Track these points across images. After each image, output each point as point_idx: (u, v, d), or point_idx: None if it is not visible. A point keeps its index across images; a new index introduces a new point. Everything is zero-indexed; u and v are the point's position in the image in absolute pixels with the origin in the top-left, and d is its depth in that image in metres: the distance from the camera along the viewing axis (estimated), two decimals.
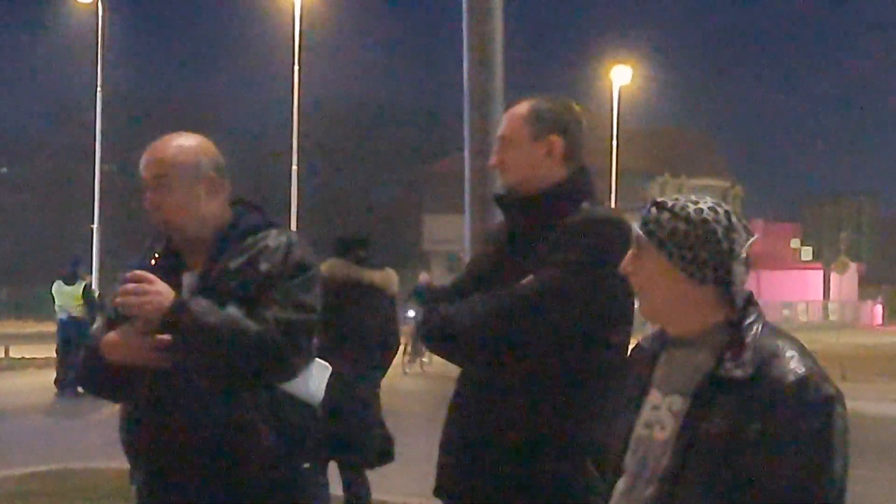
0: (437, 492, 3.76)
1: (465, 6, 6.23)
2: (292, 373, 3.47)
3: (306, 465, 3.60)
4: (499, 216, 3.95)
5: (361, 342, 7.07)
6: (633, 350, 2.93)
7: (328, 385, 3.63)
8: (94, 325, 3.79)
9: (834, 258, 60.90)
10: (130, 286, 3.43)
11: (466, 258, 5.76)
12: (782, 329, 2.68)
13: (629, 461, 2.74)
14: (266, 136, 59.26)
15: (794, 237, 72.73)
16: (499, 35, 6.20)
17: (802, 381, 2.52)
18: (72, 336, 18.06)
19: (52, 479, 10.36)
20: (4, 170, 64.06)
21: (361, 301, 7.13)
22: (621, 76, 53.09)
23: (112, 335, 3.52)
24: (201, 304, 3.41)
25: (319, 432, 3.60)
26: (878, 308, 67.66)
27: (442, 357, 3.73)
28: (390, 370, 7.73)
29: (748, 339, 2.60)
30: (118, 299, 3.47)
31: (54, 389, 18.32)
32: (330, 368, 3.64)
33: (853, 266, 66.26)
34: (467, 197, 6.10)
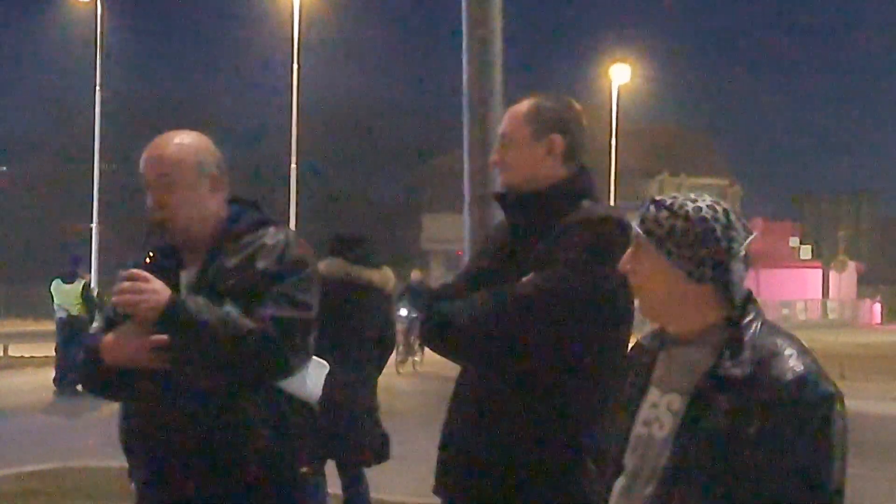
0: (437, 490, 3.76)
1: (464, 5, 6.23)
2: (289, 371, 3.46)
3: (304, 470, 3.60)
4: (499, 215, 3.95)
5: (358, 341, 7.07)
6: (632, 348, 2.93)
7: (325, 383, 3.63)
8: (94, 325, 3.79)
9: (833, 257, 60.99)
10: (127, 284, 3.43)
11: (466, 257, 5.76)
12: (781, 327, 2.68)
13: (628, 460, 2.75)
14: (265, 134, 59.26)
15: (793, 236, 72.65)
16: (498, 34, 6.20)
17: (801, 380, 2.52)
18: (71, 335, 18.04)
19: (51, 478, 10.36)
20: (4, 169, 64.01)
21: (358, 300, 7.12)
22: (620, 75, 53.10)
23: (110, 336, 3.52)
24: (198, 302, 3.41)
25: (317, 431, 3.60)
26: (877, 307, 67.66)
27: (442, 356, 3.73)
28: (384, 369, 7.73)
29: (747, 338, 2.60)
30: (114, 297, 3.47)
31: (53, 388, 18.30)
32: (327, 367, 3.64)
33: (852, 265, 66.34)
34: (466, 196, 6.09)
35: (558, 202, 3.62)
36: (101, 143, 38.22)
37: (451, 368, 3.79)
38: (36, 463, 11.03)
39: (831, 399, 2.53)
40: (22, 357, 24.92)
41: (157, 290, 3.41)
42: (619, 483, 2.77)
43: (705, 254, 2.61)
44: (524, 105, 3.74)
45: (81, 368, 3.69)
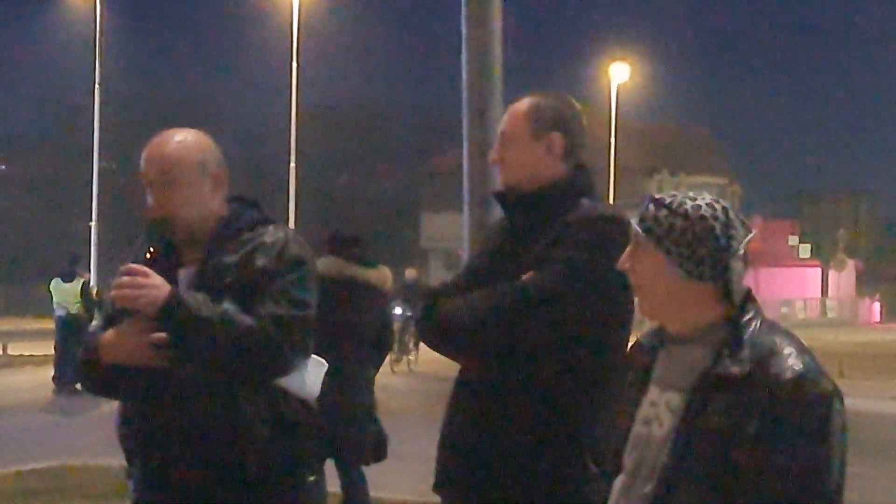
0: (437, 488, 3.76)
1: (463, 3, 6.22)
2: (288, 369, 3.46)
3: (312, 478, 3.61)
4: (498, 214, 3.95)
5: (356, 340, 7.08)
6: (632, 347, 2.93)
7: (323, 382, 3.63)
8: (93, 323, 3.79)
9: (832, 256, 60.97)
10: (126, 279, 3.42)
11: (465, 256, 5.76)
12: (780, 326, 2.68)
13: (628, 458, 2.75)
14: (264, 134, 59.26)
15: (793, 234, 72.67)
16: (497, 33, 6.19)
17: (800, 378, 2.52)
18: (70, 333, 18.05)
19: (50, 477, 10.37)
20: (3, 167, 64.02)
21: (356, 299, 7.13)
22: (619, 74, 53.14)
23: (109, 334, 3.52)
24: (197, 299, 3.41)
25: (316, 428, 3.60)
26: (876, 305, 67.66)
27: (441, 354, 3.72)
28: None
29: (746, 336, 2.60)
30: (113, 292, 3.46)
31: (52, 386, 18.31)
32: (326, 365, 3.64)
33: (851, 263, 66.35)
34: (466, 195, 6.08)
35: (558, 200, 3.61)
36: (100, 141, 38.22)
37: (445, 368, 3.80)
38: (35, 461, 11.04)
39: (830, 397, 2.53)
40: (21, 355, 24.93)
41: (157, 285, 3.41)
42: (619, 481, 2.77)
43: (704, 252, 2.61)
44: (524, 103, 3.74)
45: (80, 367, 3.69)
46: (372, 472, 7.55)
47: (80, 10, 42.09)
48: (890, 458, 12.45)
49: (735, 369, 2.56)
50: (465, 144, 6.12)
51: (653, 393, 2.73)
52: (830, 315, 62.03)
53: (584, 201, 3.63)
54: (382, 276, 7.44)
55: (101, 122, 38.21)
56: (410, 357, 23.22)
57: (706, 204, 2.64)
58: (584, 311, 3.47)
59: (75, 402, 15.55)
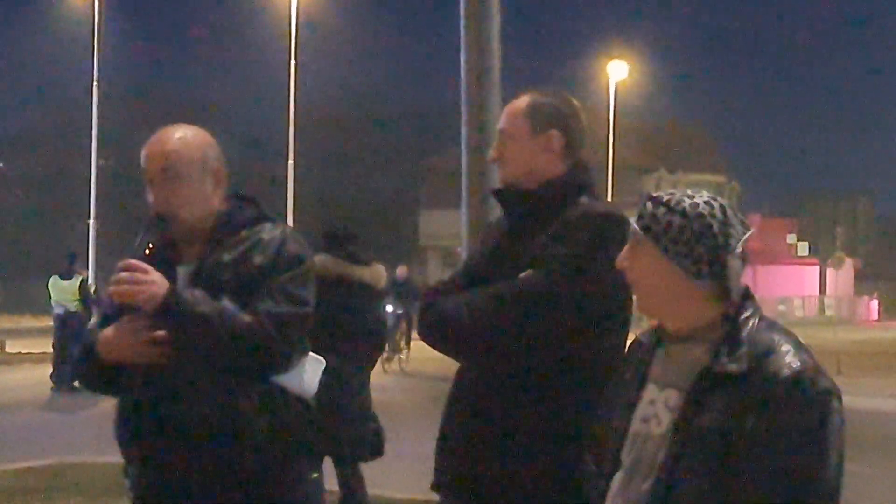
0: (435, 486, 3.76)
1: (462, 2, 6.23)
2: (285, 366, 3.46)
3: (315, 475, 3.61)
4: (496, 211, 3.95)
5: (350, 338, 7.07)
6: (630, 345, 2.93)
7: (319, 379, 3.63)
8: (91, 321, 3.79)
9: (830, 254, 60.92)
10: (125, 275, 3.42)
11: (463, 253, 5.77)
12: (778, 324, 2.68)
13: (626, 456, 2.75)
14: (262, 132, 59.27)
15: (791, 232, 72.70)
16: (496, 31, 6.20)
17: (798, 376, 2.52)
18: (68, 331, 18.06)
19: (47, 474, 10.37)
20: (0, 165, 63.98)
21: (350, 297, 7.13)
22: (618, 72, 53.11)
23: (108, 331, 3.52)
24: (195, 296, 3.41)
25: (313, 426, 3.60)
26: (874, 303, 67.70)
27: (440, 352, 3.72)
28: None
29: (744, 334, 2.60)
30: (112, 288, 3.46)
31: (50, 384, 18.31)
32: (324, 363, 3.64)
33: (849, 261, 66.27)
34: (464, 192, 6.10)
35: (556, 198, 3.61)
36: (98, 139, 38.19)
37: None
38: (33, 459, 11.04)
39: (828, 395, 2.53)
40: (19, 353, 24.95)
41: (156, 281, 3.41)
42: (617, 479, 2.77)
43: (702, 250, 2.61)
44: (522, 101, 3.74)
45: (78, 364, 3.69)
46: (370, 470, 7.56)
47: (79, 7, 42.05)
48: (888, 457, 12.44)
49: (733, 367, 2.56)
50: (464, 142, 6.13)
51: (651, 391, 2.73)
52: (828, 313, 61.94)
53: (583, 199, 3.62)
54: (376, 273, 7.44)
55: (99, 119, 38.16)
56: (402, 356, 23.10)
57: (704, 202, 2.64)
58: (582, 309, 3.47)
59: (73, 400, 15.56)
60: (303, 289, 3.51)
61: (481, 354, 3.59)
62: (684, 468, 2.58)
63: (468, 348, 3.62)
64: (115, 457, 3.71)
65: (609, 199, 37.14)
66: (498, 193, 3.81)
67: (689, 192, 2.69)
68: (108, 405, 3.78)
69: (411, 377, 21.01)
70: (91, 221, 37.62)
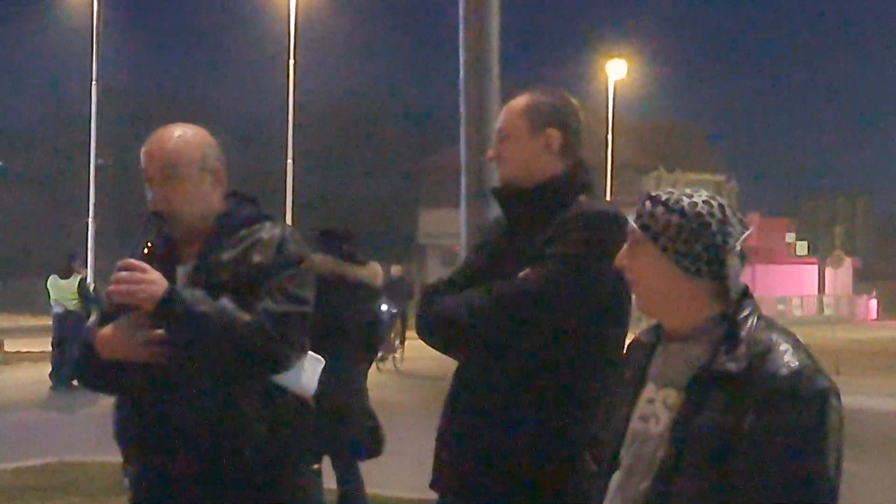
0: (434, 485, 3.76)
1: (461, 1, 6.23)
2: (285, 365, 3.46)
3: (316, 466, 3.61)
4: (495, 210, 3.95)
5: (347, 337, 7.08)
6: (630, 344, 2.93)
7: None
8: (90, 320, 3.79)
9: (829, 253, 60.94)
10: (124, 274, 3.42)
11: (462, 252, 5.76)
12: (777, 323, 2.68)
13: (625, 455, 2.75)
14: (261, 131, 59.23)
15: (790, 231, 72.71)
16: (495, 29, 6.20)
17: (796, 375, 2.52)
18: (67, 330, 18.04)
19: (46, 473, 10.37)
20: (0, 163, 63.95)
21: (346, 296, 7.14)
22: (616, 70, 53.10)
23: (107, 330, 3.51)
24: (194, 294, 3.41)
25: (312, 425, 3.60)
26: (873, 303, 67.67)
27: (439, 351, 3.72)
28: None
29: (743, 333, 2.60)
30: (111, 287, 3.46)
31: (49, 383, 18.31)
32: (323, 362, 3.64)
33: (848, 261, 66.20)
34: (463, 191, 6.10)
35: (555, 197, 3.62)
36: (97, 138, 38.17)
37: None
38: (32, 458, 11.04)
39: (826, 394, 2.53)
40: (18, 352, 24.93)
41: (155, 280, 3.41)
42: (616, 478, 2.77)
43: (701, 249, 2.61)
44: (521, 100, 3.74)
45: (77, 363, 3.69)
46: (368, 469, 7.55)
47: (78, 6, 42.02)
48: (887, 456, 12.45)
49: (731, 366, 2.56)
50: (463, 141, 6.12)
51: (650, 390, 2.73)
52: (827, 312, 61.91)
53: (582, 198, 3.63)
54: (372, 272, 7.46)
55: (97, 118, 38.14)
56: (396, 355, 23.04)
57: (703, 201, 2.64)
58: (581, 308, 3.47)
59: (72, 399, 15.54)
60: (302, 288, 3.51)
61: (480, 353, 3.59)
62: (683, 467, 2.58)
63: (467, 347, 3.62)
64: (114, 455, 3.71)
65: (608, 198, 37.18)
66: (496, 192, 3.81)
67: (688, 191, 2.69)
68: (106, 404, 3.78)
69: (406, 376, 21.00)
70: (90, 220, 37.60)
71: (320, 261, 7.05)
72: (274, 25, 44.03)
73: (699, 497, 2.55)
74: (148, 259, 3.49)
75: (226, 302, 3.40)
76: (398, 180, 66.19)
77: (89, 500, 9.19)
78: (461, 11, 6.20)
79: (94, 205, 37.85)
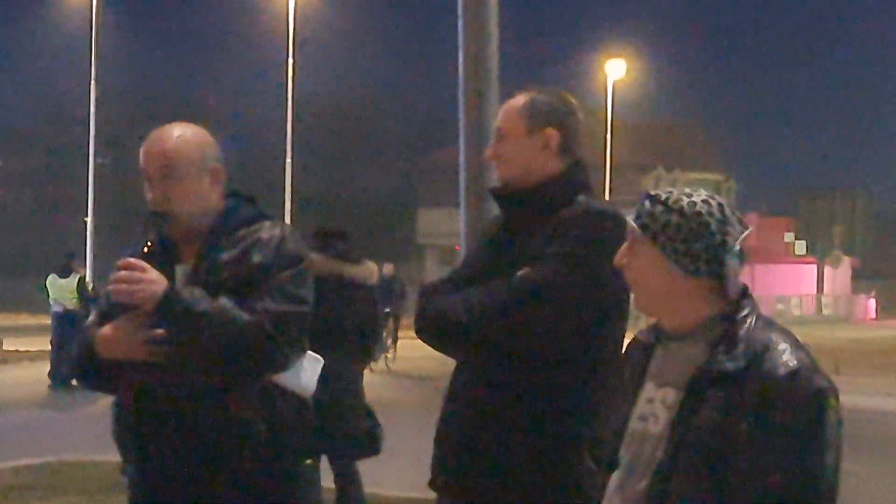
0: (433, 484, 3.76)
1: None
2: (284, 365, 3.46)
3: (309, 462, 3.60)
4: (494, 210, 3.95)
5: (343, 335, 7.08)
6: (629, 343, 2.93)
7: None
8: (89, 319, 3.79)
9: (828, 252, 60.91)
10: (123, 273, 3.42)
11: (461, 252, 5.76)
12: (776, 322, 2.68)
13: (624, 454, 2.75)
14: (260, 130, 59.21)
15: (788, 231, 72.67)
16: (494, 28, 6.19)
17: (794, 374, 2.52)
18: (66, 329, 18.03)
19: (45, 472, 10.36)
20: None
21: (342, 295, 7.14)
22: (616, 70, 53.08)
23: (106, 329, 3.51)
24: (194, 294, 3.41)
25: (311, 425, 3.60)
26: (872, 302, 67.68)
27: (438, 350, 3.72)
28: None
29: (741, 333, 2.60)
30: (111, 286, 3.46)
31: (48, 382, 18.30)
32: (322, 361, 3.64)
33: (847, 260, 66.30)
34: (462, 190, 6.08)
35: (553, 197, 3.61)
36: (95, 137, 38.15)
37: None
38: (31, 457, 11.03)
39: (824, 394, 2.53)
40: (17, 351, 24.93)
41: (154, 279, 3.41)
42: (614, 477, 2.77)
43: (700, 248, 2.61)
44: (519, 99, 3.74)
45: (76, 362, 3.69)
46: (367, 468, 7.56)
47: (76, 5, 42.01)
48: (885, 455, 12.45)
49: (730, 365, 2.56)
50: (462, 140, 6.11)
51: (649, 389, 2.73)
52: (826, 312, 62.00)
53: (580, 197, 3.63)
54: (366, 271, 7.47)
55: (96, 117, 38.14)
56: (388, 355, 22.94)
57: (702, 200, 2.64)
58: (579, 307, 3.47)
59: (71, 398, 15.54)
60: (301, 287, 3.51)
61: (478, 352, 3.59)
62: (681, 466, 2.58)
63: (465, 346, 3.62)
64: (113, 455, 3.71)
65: (607, 197, 37.21)
66: (495, 192, 3.81)
67: (688, 190, 2.69)
68: (105, 403, 3.78)
69: (398, 376, 20.98)
70: (89, 219, 37.58)
71: (315, 260, 7.06)
72: (273, 24, 44.04)
73: (698, 496, 2.55)
74: (147, 258, 3.49)
75: (225, 301, 3.40)
76: (397, 180, 66.22)
77: (88, 499, 9.18)
78: (460, 10, 6.19)
79: (93, 204, 37.85)
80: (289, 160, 40.38)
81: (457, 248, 6.70)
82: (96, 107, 38.10)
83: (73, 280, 18.88)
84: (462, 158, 6.09)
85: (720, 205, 2.65)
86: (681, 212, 2.63)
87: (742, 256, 2.66)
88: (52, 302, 19.11)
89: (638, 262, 2.70)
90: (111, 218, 40.23)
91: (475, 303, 3.52)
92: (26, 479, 10.00)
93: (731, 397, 2.54)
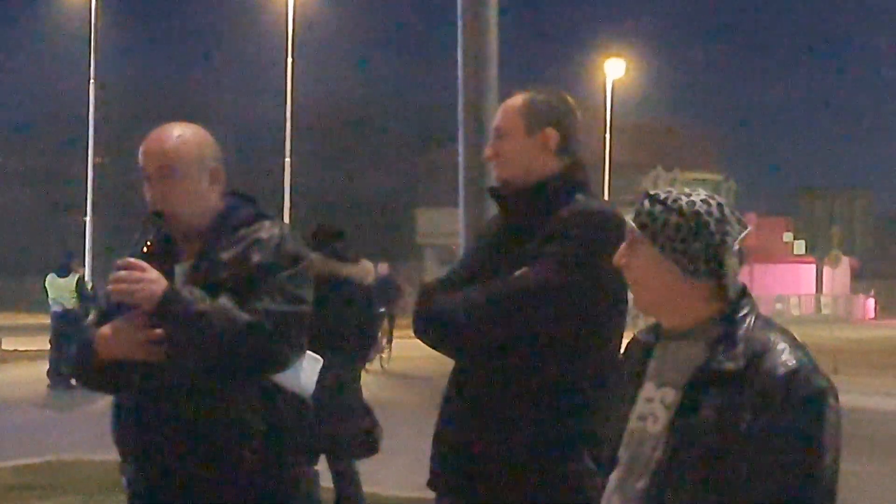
0: (431, 484, 3.75)
1: None
2: (283, 364, 3.46)
3: (311, 473, 3.61)
4: (493, 209, 3.95)
5: (340, 335, 7.09)
6: (628, 343, 2.93)
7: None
8: (88, 318, 3.79)
9: (826, 252, 60.98)
10: (123, 273, 3.42)
11: (461, 252, 5.76)
12: (775, 322, 2.68)
13: (623, 454, 2.75)
14: (259, 129, 59.22)
15: (787, 231, 72.72)
16: (493, 28, 6.19)
17: (793, 374, 2.52)
18: (65, 328, 18.04)
19: (44, 472, 10.37)
20: None
21: (339, 294, 7.15)
22: (615, 69, 53.13)
23: (105, 329, 3.51)
24: (194, 294, 3.41)
25: (311, 424, 3.60)
26: (871, 302, 67.71)
27: (436, 350, 3.72)
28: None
29: (740, 332, 2.60)
30: (110, 286, 3.46)
31: (47, 382, 18.30)
32: (321, 361, 3.64)
33: (846, 260, 66.30)
34: (462, 190, 6.08)
35: (552, 196, 3.61)
36: (94, 136, 38.17)
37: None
38: (29, 456, 11.04)
39: (824, 393, 2.53)
40: (15, 350, 24.94)
41: (154, 279, 3.41)
42: (613, 477, 2.77)
43: (699, 248, 2.61)
44: (518, 98, 3.74)
45: (75, 362, 3.68)
46: (365, 467, 7.56)
47: (76, 3, 42.01)
48: (885, 455, 12.45)
49: (729, 365, 2.56)
50: (461, 140, 6.11)
51: (648, 389, 2.73)
52: (825, 311, 62.01)
53: (579, 197, 3.62)
54: (362, 270, 7.48)
55: (95, 116, 38.16)
56: (383, 355, 22.88)
57: (701, 200, 2.64)
58: (578, 307, 3.47)
59: (70, 397, 15.55)
60: (301, 287, 3.51)
61: (477, 352, 3.59)
62: (680, 466, 2.58)
63: (463, 346, 3.62)
64: (112, 454, 3.71)
65: (606, 197, 37.20)
66: (493, 191, 3.81)
67: (687, 190, 2.69)
68: (104, 403, 3.78)
69: (394, 376, 20.97)
70: (87, 218, 37.60)
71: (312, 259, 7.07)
72: (272, 23, 44.04)
73: (696, 496, 2.55)
74: (147, 258, 3.48)
75: (225, 301, 3.40)
76: (396, 179, 66.17)
77: (87, 498, 9.19)
78: (459, 10, 6.19)
79: (92, 203, 37.87)
80: (288, 159, 40.40)
81: (455, 247, 6.70)
82: (95, 106, 38.12)
83: (72, 280, 18.88)
84: (461, 158, 6.08)
85: (719, 204, 2.65)
86: (680, 211, 2.63)
87: (741, 256, 2.66)
88: (51, 301, 19.12)
89: (637, 262, 2.70)
90: (111, 218, 40.26)
91: (474, 302, 3.52)
92: (25, 479, 10.00)
93: (730, 397, 2.54)
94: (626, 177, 54.58)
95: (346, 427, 7.12)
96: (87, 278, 21.36)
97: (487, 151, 3.80)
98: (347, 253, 7.40)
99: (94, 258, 35.66)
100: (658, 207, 2.65)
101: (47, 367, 18.67)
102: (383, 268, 24.96)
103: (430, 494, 3.79)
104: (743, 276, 2.70)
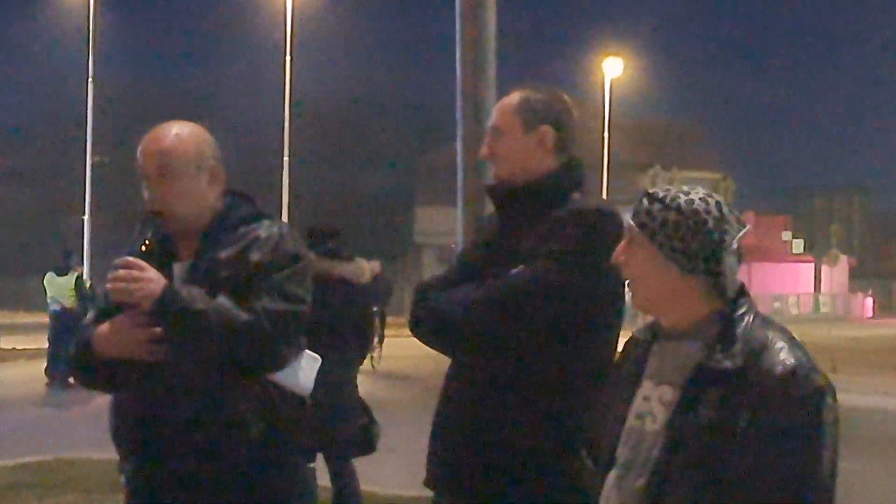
0: (429, 482, 3.75)
1: None
2: (282, 363, 3.46)
3: (311, 465, 3.61)
4: (491, 208, 3.95)
5: (336, 334, 7.09)
6: (627, 341, 2.93)
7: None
8: (87, 317, 3.79)
9: (825, 251, 61.00)
10: (122, 272, 3.42)
11: (458, 250, 5.77)
12: (773, 321, 2.69)
13: (621, 452, 2.75)
14: (258, 128, 59.17)
15: (786, 230, 72.71)
16: (491, 27, 6.19)
17: (791, 373, 2.52)
18: (64, 327, 18.02)
19: (42, 470, 10.36)
20: None
21: (334, 293, 7.15)
22: (613, 68, 53.10)
23: (104, 327, 3.51)
24: (192, 293, 3.41)
25: (310, 423, 3.60)
26: (869, 301, 67.71)
27: (433, 348, 3.72)
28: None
29: (739, 331, 2.61)
30: (109, 285, 3.46)
31: (45, 380, 18.30)
32: (320, 360, 3.64)
33: (844, 259, 66.36)
34: (459, 189, 6.08)
35: (549, 194, 3.61)
36: (93, 135, 38.15)
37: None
38: (28, 455, 11.03)
39: (822, 392, 2.54)
40: (14, 349, 24.92)
41: (152, 278, 3.41)
42: (612, 475, 2.78)
43: (697, 246, 2.61)
44: (514, 97, 3.74)
45: (74, 360, 3.68)
46: (363, 466, 7.56)
47: (75, 3, 41.98)
48: (883, 454, 12.46)
49: (727, 363, 2.56)
50: (459, 139, 6.11)
51: (646, 387, 2.73)
52: (823, 310, 62.03)
53: (576, 195, 3.62)
54: (357, 269, 7.48)
55: (94, 115, 38.13)
56: (374, 354, 22.84)
57: (700, 198, 2.65)
58: (575, 305, 3.47)
59: (68, 396, 15.54)
60: (300, 286, 3.51)
61: (474, 350, 3.59)
62: (678, 464, 2.58)
63: (460, 344, 3.62)
64: (111, 453, 3.71)
65: (604, 195, 37.19)
66: (490, 190, 3.81)
67: (685, 188, 2.69)
68: (103, 402, 3.78)
69: (385, 375, 20.94)
70: (86, 217, 37.58)
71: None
72: (271, 22, 44.02)
73: (695, 494, 2.56)
74: (145, 257, 3.48)
75: (223, 300, 3.40)
76: (395, 178, 66.11)
77: (85, 497, 9.18)
78: (458, 9, 6.19)
79: (91, 202, 37.85)
80: (286, 158, 40.37)
81: (454, 246, 6.70)
82: (94, 105, 38.10)
83: (71, 278, 18.86)
84: (460, 157, 6.08)
85: (718, 203, 2.65)
86: (678, 210, 2.63)
87: (739, 255, 2.66)
88: (49, 300, 19.10)
89: (635, 260, 2.70)
90: (110, 217, 40.23)
91: (470, 301, 3.52)
92: (24, 478, 9.99)
93: (728, 395, 2.54)
94: (625, 175, 54.56)
95: (343, 425, 7.12)
96: (85, 277, 21.34)
97: (484, 150, 3.79)
98: (342, 251, 7.40)
99: (92, 257, 35.64)
100: (656, 206, 2.66)
101: (46, 365, 18.66)
102: (375, 266, 24.86)
103: (428, 493, 3.79)
104: (741, 275, 2.70)
